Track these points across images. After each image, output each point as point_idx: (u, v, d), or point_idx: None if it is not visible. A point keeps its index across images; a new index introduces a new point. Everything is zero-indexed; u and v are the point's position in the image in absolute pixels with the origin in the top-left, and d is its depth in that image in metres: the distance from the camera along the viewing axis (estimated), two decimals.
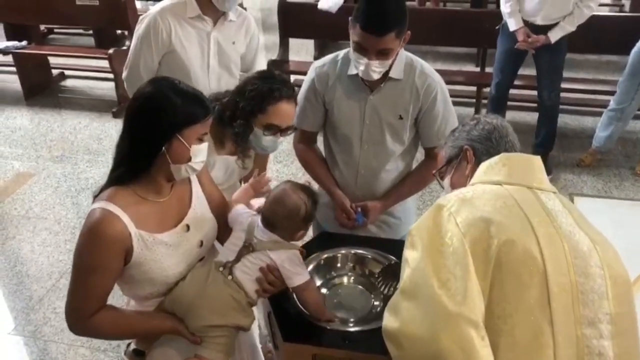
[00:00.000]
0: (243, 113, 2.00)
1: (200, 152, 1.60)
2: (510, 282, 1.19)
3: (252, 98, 1.99)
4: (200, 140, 1.59)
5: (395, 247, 2.08)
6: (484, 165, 1.45)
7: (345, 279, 1.97)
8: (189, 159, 1.58)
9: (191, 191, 1.75)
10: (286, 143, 4.77)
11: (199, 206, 1.75)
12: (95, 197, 1.60)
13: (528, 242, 1.22)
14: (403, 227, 2.35)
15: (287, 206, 1.68)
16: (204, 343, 1.63)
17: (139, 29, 2.63)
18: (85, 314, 1.57)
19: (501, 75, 4.37)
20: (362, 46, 1.96)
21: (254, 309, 1.76)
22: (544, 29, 4.02)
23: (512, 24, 4.07)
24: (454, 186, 1.55)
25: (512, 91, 4.54)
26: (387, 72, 2.08)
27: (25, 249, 3.81)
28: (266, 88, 1.97)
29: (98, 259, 1.53)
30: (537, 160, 1.45)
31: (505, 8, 4.10)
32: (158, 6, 2.64)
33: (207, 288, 1.62)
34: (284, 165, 4.46)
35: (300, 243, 1.91)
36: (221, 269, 1.66)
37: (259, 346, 2.01)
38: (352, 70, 2.09)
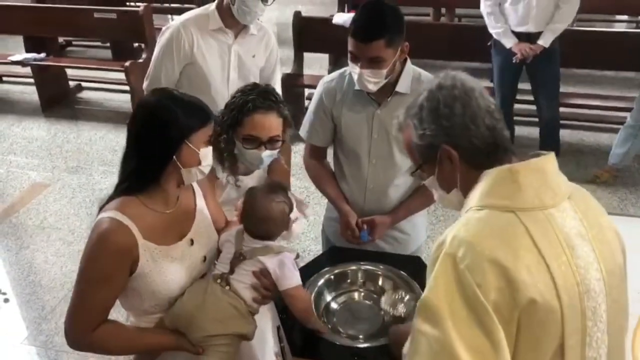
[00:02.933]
0: (225, 127, 2.00)
1: (207, 155, 1.63)
2: (528, 346, 1.15)
3: (230, 111, 2.00)
4: (206, 144, 1.62)
5: (406, 262, 2.07)
6: (489, 179, 1.25)
7: (355, 295, 1.96)
8: (199, 162, 1.60)
9: (195, 205, 1.76)
10: (299, 156, 4.77)
11: (203, 221, 1.76)
12: (102, 207, 1.61)
13: (548, 295, 1.14)
14: (412, 242, 2.34)
15: (277, 218, 1.70)
16: (206, 352, 1.62)
17: (162, 39, 2.67)
18: (88, 327, 1.55)
19: (502, 91, 4.38)
20: (354, 54, 2.00)
21: (263, 322, 1.75)
22: (537, 37, 4.05)
23: (507, 42, 4.11)
24: (443, 185, 1.36)
25: (516, 106, 4.52)
26: (393, 87, 2.08)
27: (39, 258, 3.83)
28: (242, 100, 1.97)
29: (105, 269, 1.53)
30: (549, 163, 1.26)
31: (495, 29, 4.14)
32: (181, 18, 2.68)
33: (206, 300, 1.63)
34: (297, 179, 4.45)
35: (309, 256, 1.90)
36: (218, 280, 1.66)
37: None
38: None
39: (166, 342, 1.64)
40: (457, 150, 1.26)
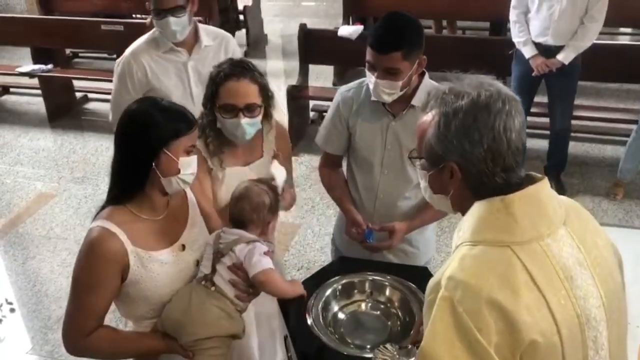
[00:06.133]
0: (204, 103, 2.04)
1: (188, 164, 1.64)
2: None
3: (207, 86, 2.03)
4: (188, 153, 1.63)
5: (414, 273, 2.07)
6: (481, 211, 1.20)
7: (363, 305, 1.97)
8: (178, 172, 1.62)
9: (188, 211, 1.79)
10: (304, 167, 4.78)
11: (196, 226, 1.79)
12: (96, 215, 1.65)
13: (549, 332, 1.12)
14: (421, 257, 2.34)
15: (253, 199, 1.74)
16: (196, 357, 1.65)
17: (115, 73, 2.68)
18: (83, 332, 1.60)
19: None
20: (371, 63, 2.02)
21: (266, 333, 1.75)
22: (557, 50, 4.01)
23: (527, 52, 4.08)
24: (432, 185, 1.32)
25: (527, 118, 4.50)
26: (409, 100, 2.09)
27: (45, 268, 3.85)
28: (214, 72, 2.01)
29: (96, 276, 1.58)
30: (544, 189, 1.21)
31: (517, 38, 4.11)
32: (131, 47, 2.69)
33: (191, 304, 1.65)
34: (301, 190, 4.46)
35: (316, 267, 1.90)
36: (203, 282, 1.69)
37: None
38: None
39: (158, 346, 1.67)
40: (463, 172, 1.21)
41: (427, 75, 2.13)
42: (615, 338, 1.23)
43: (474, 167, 1.19)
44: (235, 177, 2.04)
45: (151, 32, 2.69)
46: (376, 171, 2.20)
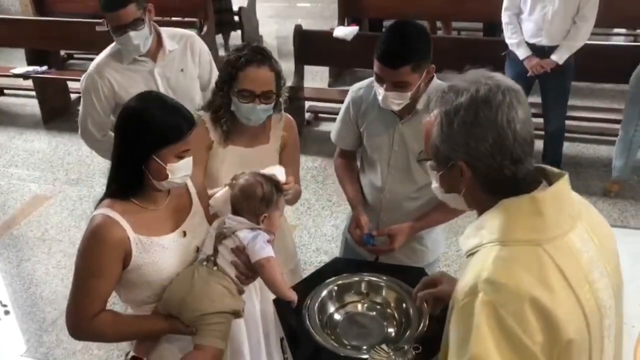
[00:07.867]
0: (220, 86, 2.10)
1: (178, 169, 1.65)
2: None
3: (224, 69, 2.08)
4: (179, 158, 1.65)
5: (410, 274, 2.06)
6: (511, 211, 1.19)
7: (359, 306, 1.97)
8: (167, 177, 1.64)
9: (191, 199, 1.84)
10: (301, 170, 4.78)
11: (197, 215, 1.83)
12: (96, 206, 1.68)
13: (582, 328, 1.14)
14: (429, 254, 2.35)
15: (245, 188, 1.79)
16: (200, 332, 1.67)
17: (81, 88, 2.67)
18: (86, 316, 1.63)
19: None
20: (379, 77, 2.01)
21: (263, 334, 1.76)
22: (551, 50, 4.02)
23: (522, 53, 4.09)
24: (443, 185, 1.32)
25: None
26: (415, 103, 2.08)
27: (40, 270, 3.84)
28: (234, 57, 2.05)
29: (99, 262, 1.61)
30: (566, 186, 1.21)
31: (511, 39, 4.12)
32: (94, 62, 2.66)
33: (194, 282, 1.68)
34: None
35: (312, 268, 1.91)
36: (205, 263, 1.73)
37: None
38: None
39: (161, 327, 1.71)
40: (472, 169, 1.21)
41: (435, 79, 2.09)
42: (618, 324, 1.27)
43: (482, 163, 1.19)
44: (237, 156, 2.11)
45: (113, 44, 2.64)
46: (383, 171, 2.21)
